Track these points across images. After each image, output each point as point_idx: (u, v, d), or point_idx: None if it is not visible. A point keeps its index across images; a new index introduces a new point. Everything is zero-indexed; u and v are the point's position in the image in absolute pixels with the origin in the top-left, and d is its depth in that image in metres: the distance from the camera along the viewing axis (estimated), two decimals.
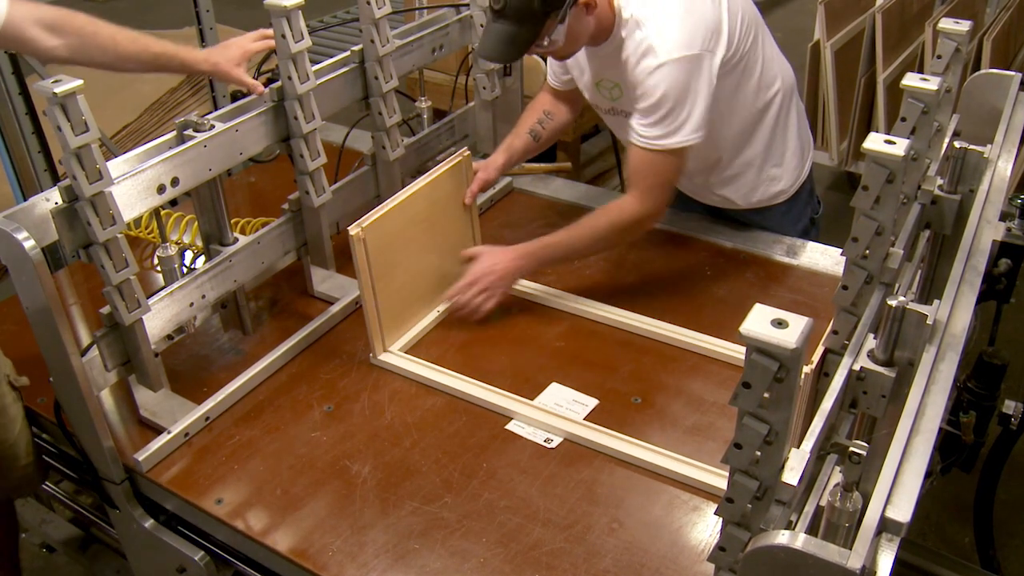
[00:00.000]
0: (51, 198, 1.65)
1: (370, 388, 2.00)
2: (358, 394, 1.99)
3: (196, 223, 2.25)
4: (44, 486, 2.22)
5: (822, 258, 2.36)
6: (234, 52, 2.19)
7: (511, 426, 1.89)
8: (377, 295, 2.01)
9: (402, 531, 1.67)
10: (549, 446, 1.84)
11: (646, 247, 2.44)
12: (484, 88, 2.63)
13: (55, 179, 2.75)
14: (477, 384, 1.97)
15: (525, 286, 2.26)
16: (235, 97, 2.16)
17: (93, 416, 1.72)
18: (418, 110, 2.59)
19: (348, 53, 2.25)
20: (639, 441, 1.81)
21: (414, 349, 2.11)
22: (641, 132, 2.06)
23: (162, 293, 1.88)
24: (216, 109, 3.27)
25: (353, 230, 1.93)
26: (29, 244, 1.53)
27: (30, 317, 1.63)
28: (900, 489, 1.06)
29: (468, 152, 2.21)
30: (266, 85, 2.07)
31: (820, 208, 2.52)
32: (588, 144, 4.10)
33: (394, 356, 2.07)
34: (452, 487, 1.75)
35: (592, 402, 1.94)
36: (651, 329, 2.12)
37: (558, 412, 1.90)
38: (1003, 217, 1.65)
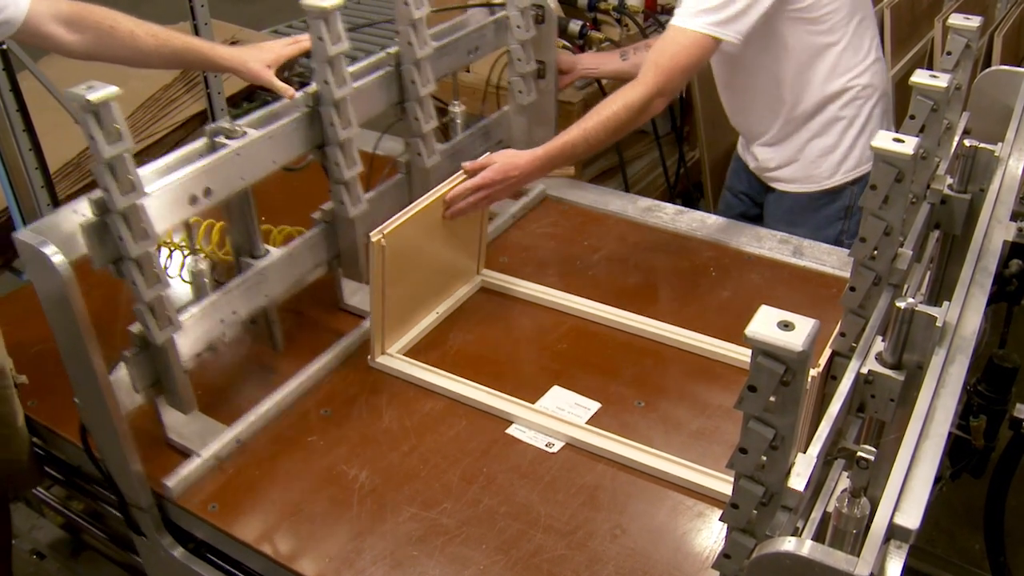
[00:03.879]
0: (79, 210, 1.57)
1: (368, 391, 1.98)
2: (355, 397, 1.96)
3: (215, 228, 2.21)
4: (36, 492, 2.20)
5: (829, 259, 2.33)
6: (266, 55, 2.16)
7: (511, 430, 1.86)
8: (385, 300, 1.98)
9: (400, 537, 1.64)
10: (550, 451, 1.82)
11: (649, 248, 2.42)
12: (520, 92, 2.56)
13: (47, 177, 2.72)
14: (477, 387, 1.94)
15: (526, 287, 2.24)
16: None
17: (122, 440, 1.66)
18: (451, 114, 2.54)
19: (383, 55, 2.18)
20: (642, 446, 1.79)
21: (413, 351, 2.08)
22: (678, 11, 2.13)
23: (193, 309, 1.80)
24: (211, 107, 3.25)
25: (374, 236, 1.88)
26: (58, 259, 1.46)
27: (57, 336, 1.57)
28: (909, 495, 1.04)
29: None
30: (297, 89, 2.02)
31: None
32: None
33: (393, 359, 2.04)
34: (451, 492, 1.73)
35: (594, 406, 1.91)
36: (654, 331, 2.09)
37: (559, 416, 1.88)
38: (1014, 217, 1.62)
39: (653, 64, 2.13)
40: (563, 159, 2.17)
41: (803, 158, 2.42)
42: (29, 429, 1.99)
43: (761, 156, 2.51)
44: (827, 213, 2.46)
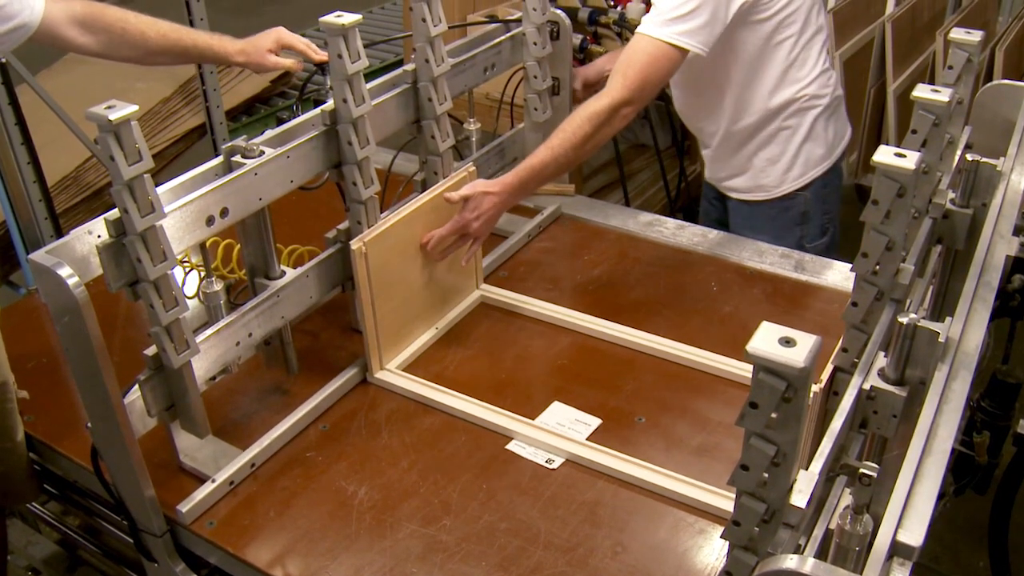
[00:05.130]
0: (94, 231, 1.55)
1: (367, 407, 1.97)
2: (354, 413, 1.95)
3: (233, 250, 2.19)
4: (31, 507, 2.19)
5: (831, 274, 2.32)
6: (265, 40, 2.19)
7: (511, 446, 1.85)
8: (376, 311, 1.98)
9: (400, 554, 1.63)
10: (550, 467, 1.80)
11: (650, 263, 2.41)
12: (536, 109, 2.53)
13: (44, 191, 2.71)
14: (476, 403, 1.93)
15: (526, 302, 2.24)
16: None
17: (135, 465, 1.63)
18: (466, 132, 2.52)
19: (400, 72, 2.15)
20: (643, 462, 1.77)
21: (412, 367, 2.08)
22: (645, 19, 2.12)
23: (208, 332, 1.77)
24: (210, 120, 3.24)
25: (355, 244, 1.89)
26: (73, 281, 1.44)
27: (70, 359, 1.54)
28: (912, 512, 1.04)
29: (474, 168, 2.17)
30: (309, 103, 1.99)
31: (819, 241, 2.52)
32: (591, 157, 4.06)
33: (392, 374, 2.03)
34: (451, 509, 1.72)
35: (595, 422, 1.90)
36: (655, 347, 2.08)
37: (560, 432, 1.86)
38: (1017, 231, 1.62)
39: (620, 75, 2.11)
40: (535, 182, 2.14)
41: (752, 168, 2.44)
42: (27, 444, 1.98)
43: (711, 167, 2.55)
44: (784, 221, 2.48)
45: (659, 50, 2.09)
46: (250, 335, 1.86)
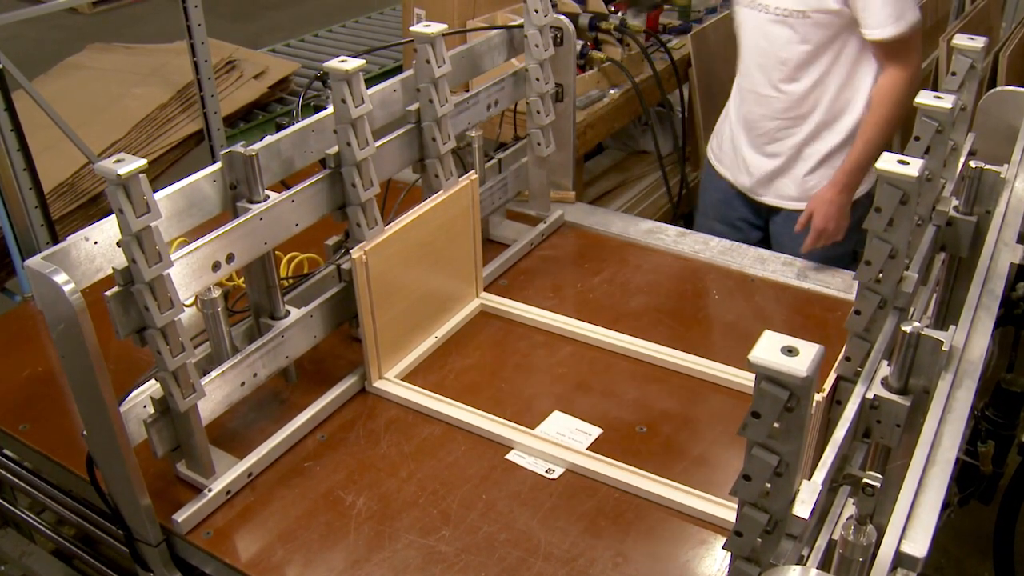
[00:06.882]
0: (90, 237, 1.55)
1: (366, 416, 1.95)
2: (353, 422, 1.94)
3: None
4: (26, 517, 2.18)
5: (834, 281, 2.31)
6: None
7: (511, 456, 1.84)
8: (376, 320, 1.96)
9: (398, 565, 1.62)
10: (551, 477, 1.79)
11: (651, 270, 2.40)
12: (538, 112, 2.49)
13: (41, 197, 2.70)
14: (476, 412, 1.92)
15: (526, 311, 2.22)
16: (280, 127, 2.04)
17: (131, 474, 1.62)
18: (468, 139, 2.51)
19: (403, 112, 2.15)
20: (644, 472, 1.76)
21: (411, 376, 2.06)
22: (881, 22, 2.32)
23: (213, 374, 1.77)
24: (207, 126, 3.22)
25: (356, 253, 1.88)
26: (69, 288, 1.43)
27: (66, 367, 1.53)
28: (916, 522, 1.04)
29: (476, 176, 2.16)
30: (309, 109, 1.97)
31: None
32: (591, 163, 4.08)
33: (391, 383, 2.02)
34: (450, 519, 1.70)
35: (595, 431, 1.89)
36: (657, 356, 2.07)
37: (560, 442, 1.85)
38: (1021, 239, 1.62)
39: (896, 58, 2.34)
40: (860, 176, 2.43)
41: (804, 183, 2.53)
42: (20, 453, 1.97)
43: (770, 191, 2.61)
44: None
45: (908, 33, 2.32)
46: (255, 375, 1.86)
